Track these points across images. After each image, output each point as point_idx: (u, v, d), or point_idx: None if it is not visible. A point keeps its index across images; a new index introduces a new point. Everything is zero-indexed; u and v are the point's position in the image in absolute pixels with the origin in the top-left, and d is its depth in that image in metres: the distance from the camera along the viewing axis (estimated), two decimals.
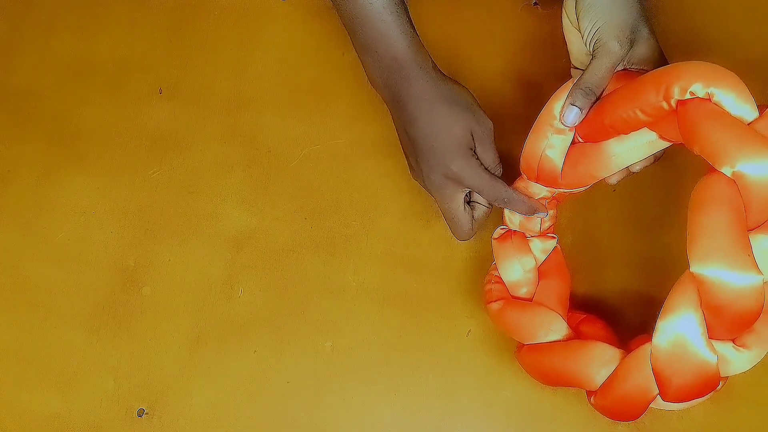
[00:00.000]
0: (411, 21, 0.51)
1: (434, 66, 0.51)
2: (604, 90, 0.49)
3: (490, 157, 0.51)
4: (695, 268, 0.41)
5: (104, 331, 0.57)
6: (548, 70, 0.62)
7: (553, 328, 0.50)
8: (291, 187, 0.61)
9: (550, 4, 0.64)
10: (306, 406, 0.55)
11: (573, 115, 0.48)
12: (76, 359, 0.56)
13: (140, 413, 0.55)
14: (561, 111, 0.48)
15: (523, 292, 0.52)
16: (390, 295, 0.57)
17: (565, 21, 0.52)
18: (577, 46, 0.52)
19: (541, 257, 0.53)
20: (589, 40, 0.49)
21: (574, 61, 0.54)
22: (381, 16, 0.49)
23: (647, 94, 0.44)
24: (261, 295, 0.58)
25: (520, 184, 0.52)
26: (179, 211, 0.61)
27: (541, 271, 0.53)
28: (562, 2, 0.52)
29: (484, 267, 0.56)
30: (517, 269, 0.52)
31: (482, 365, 0.55)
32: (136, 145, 0.63)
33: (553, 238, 0.54)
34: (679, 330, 0.42)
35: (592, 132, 0.48)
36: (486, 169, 0.51)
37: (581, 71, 0.49)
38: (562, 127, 0.49)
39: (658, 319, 0.43)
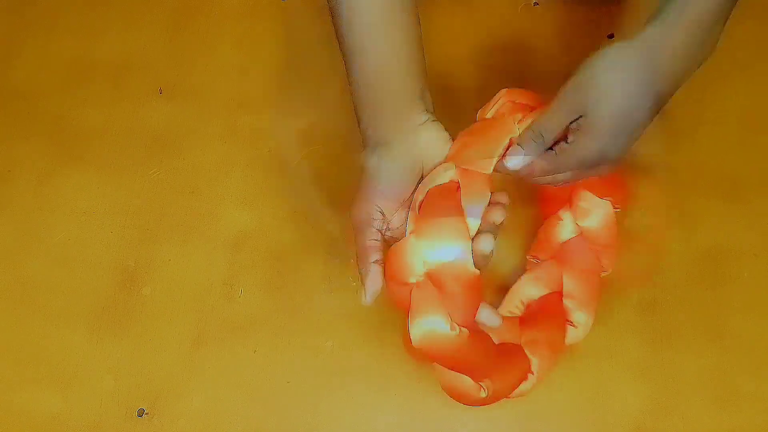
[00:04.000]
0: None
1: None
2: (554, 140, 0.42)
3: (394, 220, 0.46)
4: None
5: (104, 331, 0.57)
6: (548, 70, 0.62)
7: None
8: (291, 187, 0.61)
9: (550, 4, 0.64)
10: (306, 406, 0.55)
11: (518, 161, 0.42)
12: (76, 359, 0.56)
13: (140, 413, 0.55)
14: (505, 151, 0.43)
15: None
16: None
17: None
18: None
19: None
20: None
21: None
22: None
23: None
24: (261, 295, 0.58)
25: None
26: (179, 211, 0.61)
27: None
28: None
29: None
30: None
31: None
32: (136, 145, 0.63)
33: None
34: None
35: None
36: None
37: None
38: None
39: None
